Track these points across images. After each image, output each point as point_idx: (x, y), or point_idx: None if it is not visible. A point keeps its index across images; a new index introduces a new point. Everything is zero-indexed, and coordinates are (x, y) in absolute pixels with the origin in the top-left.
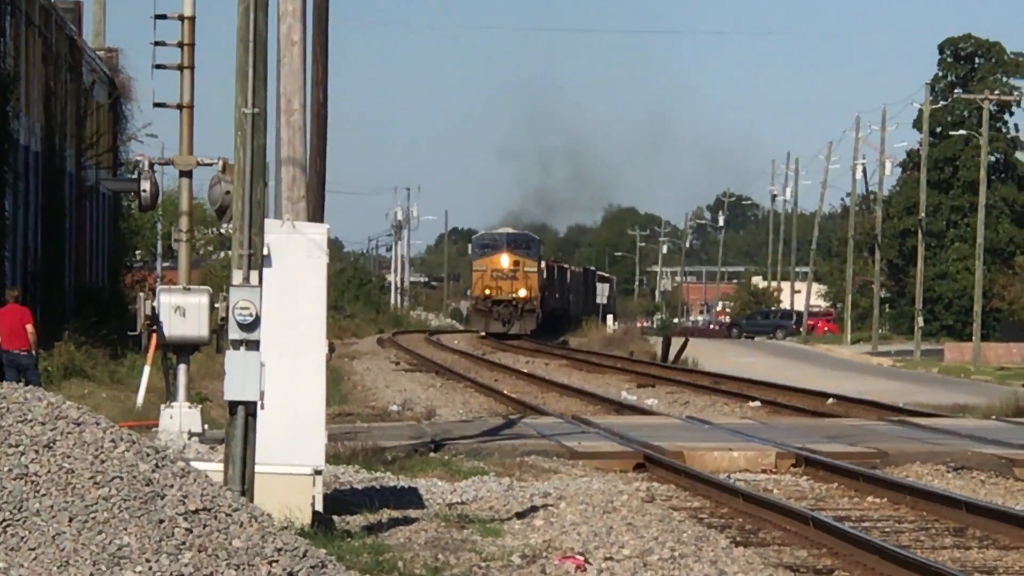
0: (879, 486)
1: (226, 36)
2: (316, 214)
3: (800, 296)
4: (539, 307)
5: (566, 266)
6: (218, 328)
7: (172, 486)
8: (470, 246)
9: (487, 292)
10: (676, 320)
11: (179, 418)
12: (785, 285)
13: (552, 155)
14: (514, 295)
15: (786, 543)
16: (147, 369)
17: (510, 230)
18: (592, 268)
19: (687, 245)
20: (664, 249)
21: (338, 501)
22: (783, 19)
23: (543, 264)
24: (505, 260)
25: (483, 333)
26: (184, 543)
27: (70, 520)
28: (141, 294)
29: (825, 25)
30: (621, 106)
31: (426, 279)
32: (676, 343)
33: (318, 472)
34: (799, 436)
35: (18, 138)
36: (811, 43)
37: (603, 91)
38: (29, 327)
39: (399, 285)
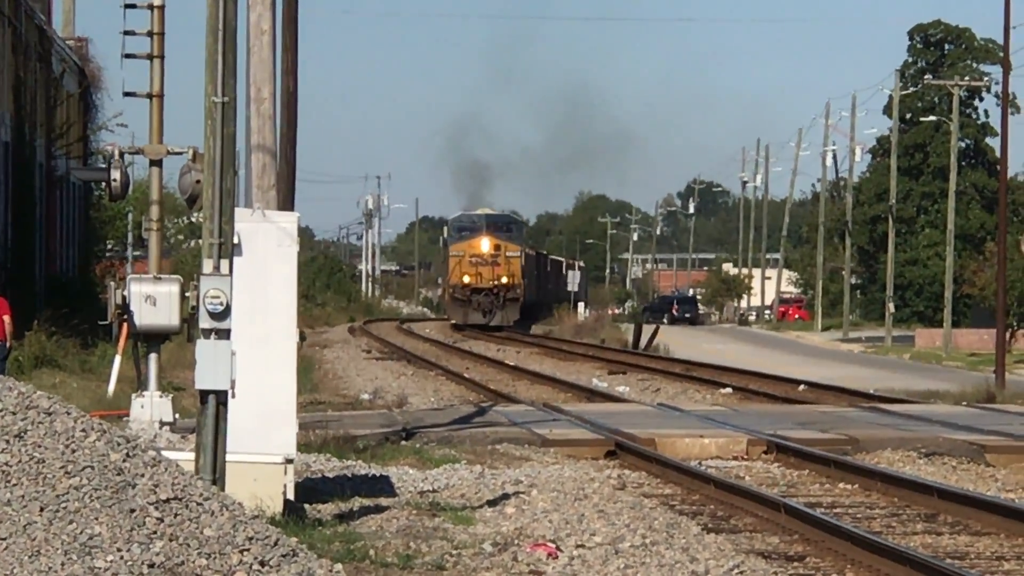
0: (850, 472)
1: (196, 25)
2: (286, 203)
3: (771, 283)
4: (522, 295)
5: (544, 252)
6: (189, 317)
7: (143, 475)
8: (446, 228)
9: (466, 279)
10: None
11: (150, 407)
12: (756, 272)
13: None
14: (495, 282)
15: (758, 530)
16: (118, 358)
17: (490, 211)
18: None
19: (658, 232)
20: (635, 236)
21: (309, 489)
22: (750, 6)
23: (526, 249)
24: (485, 244)
25: (460, 324)
26: (155, 532)
27: (41, 510)
28: (112, 283)
29: (794, 12)
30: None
31: (397, 267)
32: (647, 330)
33: (289, 461)
34: (770, 423)
35: None
36: (780, 30)
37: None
38: (6, 318)
39: (370, 273)
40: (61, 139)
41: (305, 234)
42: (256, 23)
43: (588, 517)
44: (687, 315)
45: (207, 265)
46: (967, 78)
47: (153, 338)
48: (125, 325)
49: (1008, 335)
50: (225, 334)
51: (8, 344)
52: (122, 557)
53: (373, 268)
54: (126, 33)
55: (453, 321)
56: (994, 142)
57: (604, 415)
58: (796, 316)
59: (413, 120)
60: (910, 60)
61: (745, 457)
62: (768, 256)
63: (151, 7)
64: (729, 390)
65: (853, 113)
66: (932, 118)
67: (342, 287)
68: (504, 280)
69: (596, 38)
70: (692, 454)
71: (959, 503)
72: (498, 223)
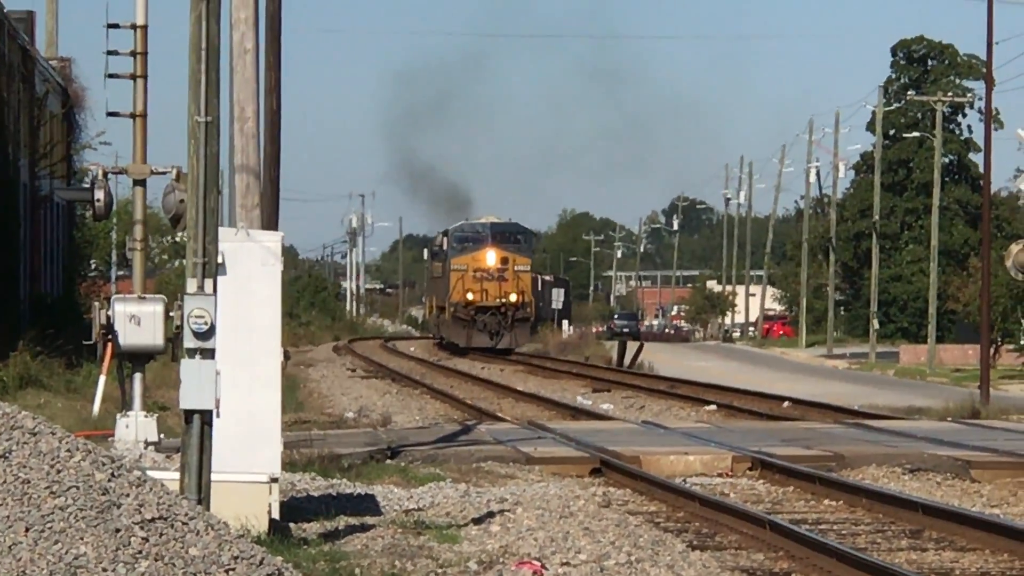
0: (835, 489)
1: (179, 45)
2: (270, 222)
3: (755, 299)
4: (533, 314)
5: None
6: (173, 337)
7: (128, 495)
8: (445, 240)
9: (469, 297)
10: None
11: (135, 427)
12: (740, 289)
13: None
14: (503, 300)
15: (743, 547)
16: (103, 378)
17: (495, 219)
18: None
19: (642, 249)
20: (619, 254)
21: (295, 509)
22: (734, 22)
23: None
24: (491, 257)
25: (464, 347)
26: (141, 552)
27: (26, 530)
28: (96, 303)
29: (777, 28)
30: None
31: (382, 286)
32: (632, 347)
33: (274, 480)
34: (755, 439)
35: None
36: (763, 46)
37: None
38: None
39: (354, 292)
40: (45, 159)
41: (289, 253)
42: (239, 42)
43: (573, 535)
44: (626, 330)
45: (191, 284)
46: (950, 94)
47: (138, 358)
48: (110, 345)
49: (992, 350)
50: (210, 353)
51: None
52: None
53: (357, 286)
54: (109, 53)
55: (457, 343)
56: (977, 158)
57: (589, 433)
58: (780, 333)
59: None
60: (893, 76)
61: (730, 474)
62: (752, 273)
63: (134, 27)
64: (713, 407)
65: (836, 129)
66: (915, 134)
67: (326, 306)
68: (513, 297)
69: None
70: (677, 471)
71: (944, 519)
72: (505, 233)
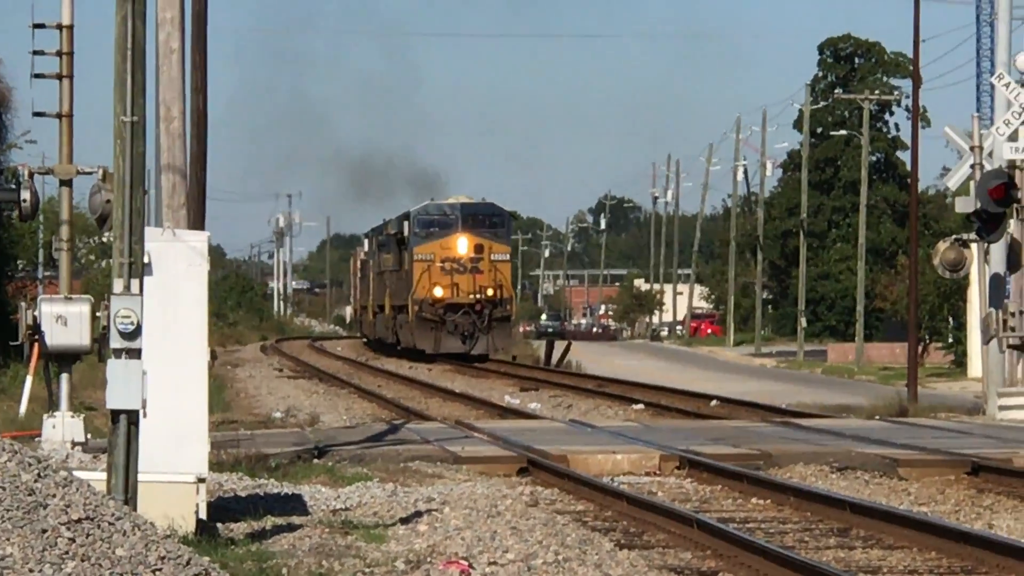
0: (763, 487)
1: (105, 45)
2: (197, 222)
3: (683, 298)
4: (513, 312)
5: None
6: (100, 337)
7: (55, 496)
8: (406, 224)
9: (437, 292)
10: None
11: (62, 428)
12: (668, 287)
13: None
14: (478, 295)
15: (671, 545)
16: (29, 379)
17: (467, 199)
18: None
19: (569, 248)
20: (546, 253)
21: (222, 509)
22: (661, 20)
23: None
24: (463, 244)
25: (432, 353)
26: (67, 553)
27: None
28: (23, 304)
29: (703, 26)
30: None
31: (308, 286)
32: (559, 346)
33: (201, 480)
34: (683, 438)
35: None
36: (690, 44)
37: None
38: None
39: (282, 292)
40: None
41: (216, 253)
42: (165, 42)
43: (501, 534)
44: (550, 329)
45: (118, 285)
46: (877, 92)
47: (64, 358)
48: (37, 345)
49: (920, 349)
50: (136, 354)
51: None
52: None
53: (285, 286)
54: (35, 53)
55: (424, 348)
56: (905, 156)
57: (516, 432)
58: (708, 331)
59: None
60: (820, 74)
61: (658, 473)
62: (680, 271)
63: (60, 27)
64: (641, 406)
65: (764, 127)
66: (843, 132)
67: (253, 306)
68: (490, 292)
69: (518, 51)
70: (605, 470)
71: (871, 517)
72: (478, 215)
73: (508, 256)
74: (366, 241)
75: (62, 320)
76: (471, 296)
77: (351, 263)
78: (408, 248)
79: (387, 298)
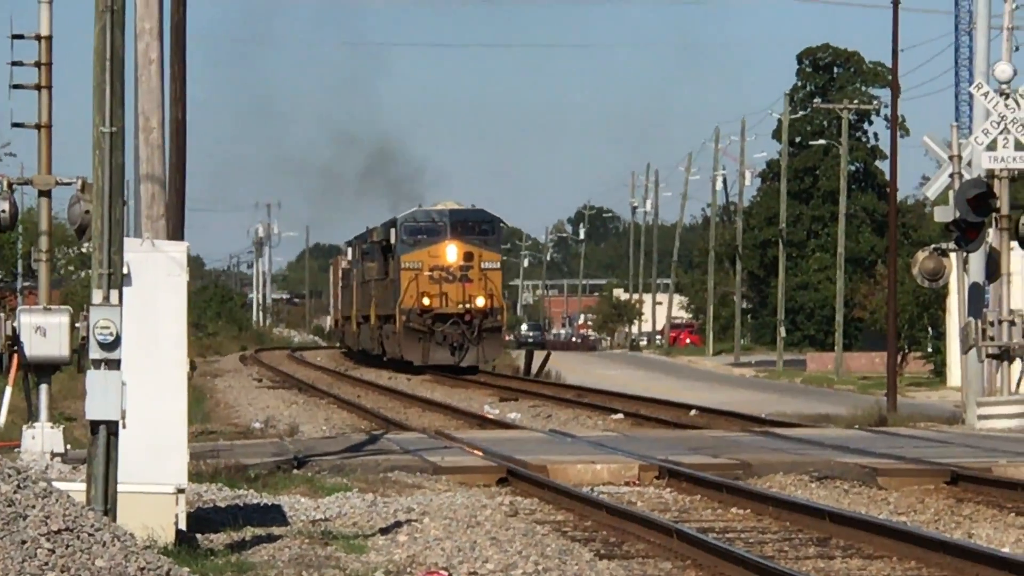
0: (743, 497)
1: (84, 55)
2: (176, 232)
3: (662, 308)
4: (504, 323)
5: None
6: (79, 348)
7: (34, 507)
8: (392, 232)
9: (425, 302)
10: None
11: (41, 438)
12: (647, 297)
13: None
14: (468, 305)
15: (650, 555)
16: (8, 390)
17: (456, 205)
18: None
19: (548, 258)
20: (525, 263)
21: (201, 519)
22: (641, 30)
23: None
24: (452, 252)
25: (420, 365)
26: (47, 563)
27: None
28: (1, 314)
29: (682, 36)
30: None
31: (288, 296)
32: (539, 356)
33: (181, 490)
34: (662, 448)
35: None
36: (669, 54)
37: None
38: None
39: (261, 302)
40: None
41: (195, 263)
42: (144, 52)
43: (480, 544)
44: (531, 339)
45: (97, 295)
46: (856, 102)
47: (44, 369)
48: (16, 356)
49: (899, 358)
50: (115, 364)
51: None
52: None
53: (264, 297)
54: (14, 64)
55: (411, 360)
56: (884, 165)
57: (496, 442)
58: (687, 341)
59: (303, 147)
60: (799, 84)
61: (637, 483)
62: (659, 281)
63: (39, 38)
64: (621, 416)
65: (743, 137)
66: (822, 142)
67: (233, 316)
68: (480, 302)
69: (496, 60)
70: (584, 480)
71: (851, 526)
72: (468, 222)
73: (499, 264)
74: (348, 250)
75: (41, 331)
76: (460, 306)
77: (331, 272)
78: (395, 256)
79: (372, 308)
